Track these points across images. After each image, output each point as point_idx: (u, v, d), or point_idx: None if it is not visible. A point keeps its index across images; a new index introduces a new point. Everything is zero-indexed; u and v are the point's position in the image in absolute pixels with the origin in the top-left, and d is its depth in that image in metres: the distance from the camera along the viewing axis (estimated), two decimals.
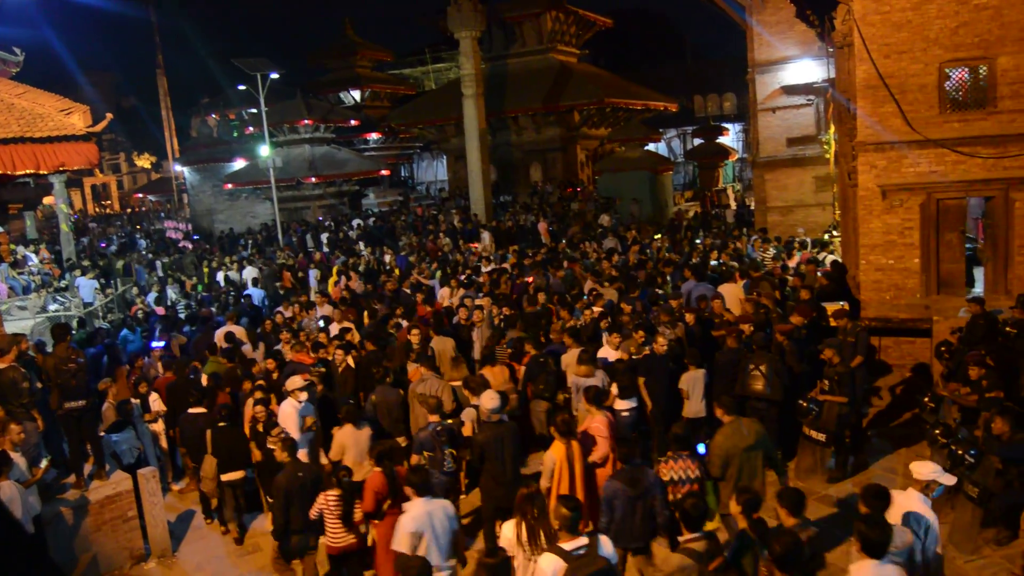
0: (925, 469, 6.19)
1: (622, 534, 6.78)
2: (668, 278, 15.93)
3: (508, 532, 6.27)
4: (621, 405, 9.15)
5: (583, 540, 5.44)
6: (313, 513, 7.40)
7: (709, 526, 6.16)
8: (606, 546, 5.54)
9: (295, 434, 9.02)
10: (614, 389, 9.36)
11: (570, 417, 7.75)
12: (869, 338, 11.54)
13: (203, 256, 27.08)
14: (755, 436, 7.45)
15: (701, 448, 7.59)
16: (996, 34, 12.16)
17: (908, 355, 13.23)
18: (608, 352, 10.59)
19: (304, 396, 9.33)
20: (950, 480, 6.29)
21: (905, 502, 5.98)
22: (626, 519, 6.81)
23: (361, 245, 25.07)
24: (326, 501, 7.34)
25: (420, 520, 6.38)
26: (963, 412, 9.11)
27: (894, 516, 5.75)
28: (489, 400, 7.95)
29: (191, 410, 9.97)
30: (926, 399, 9.67)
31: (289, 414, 9.29)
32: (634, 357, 10.27)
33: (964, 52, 12.42)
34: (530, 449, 10.53)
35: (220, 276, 22.30)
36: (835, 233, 21.09)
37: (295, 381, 9.46)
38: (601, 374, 9.66)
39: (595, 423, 7.87)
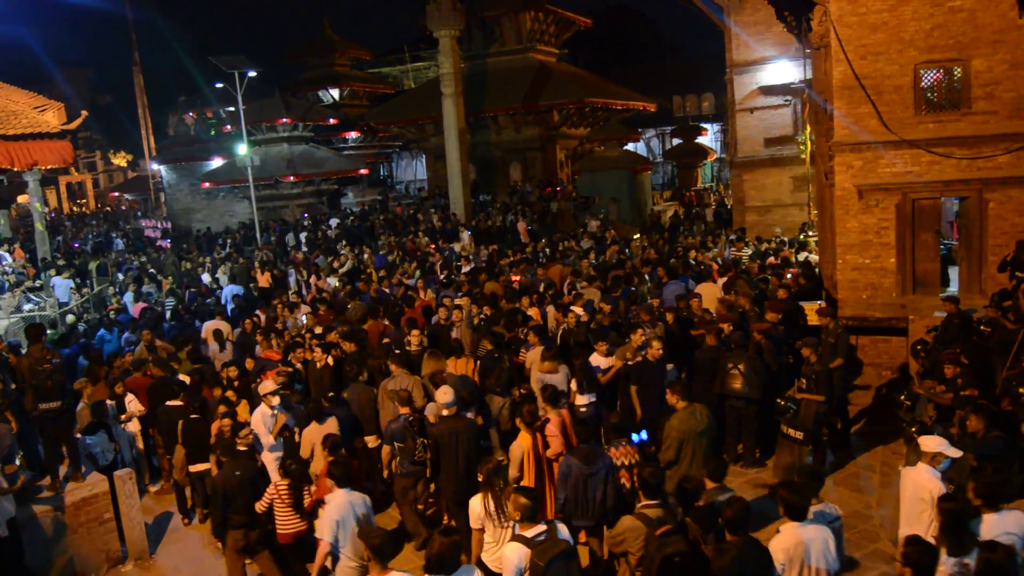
0: (932, 443, 6.47)
1: (576, 510, 7.12)
2: (647, 277, 15.99)
3: (476, 506, 6.49)
4: (580, 400, 9.17)
5: (542, 527, 5.69)
6: (263, 505, 7.59)
7: None
8: (563, 530, 5.80)
9: (265, 440, 8.96)
10: (573, 385, 9.44)
11: (536, 408, 7.91)
12: (849, 339, 11.64)
13: (181, 256, 26.87)
14: (706, 421, 7.99)
15: (635, 437, 7.98)
16: (970, 36, 12.31)
17: (884, 354, 13.39)
18: (599, 360, 10.24)
19: (276, 401, 9.15)
20: (956, 453, 6.48)
21: (915, 476, 6.43)
22: (579, 496, 7.10)
23: (344, 244, 24.96)
24: (277, 491, 7.56)
25: (343, 509, 6.71)
26: (939, 410, 9.21)
27: (907, 492, 6.44)
28: (443, 394, 8.14)
29: (169, 402, 10.11)
30: (902, 397, 9.76)
31: (259, 421, 9.15)
32: (628, 363, 9.90)
33: (939, 54, 12.56)
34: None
35: (206, 277, 21.97)
36: (810, 233, 21.28)
37: (267, 385, 9.36)
38: (565, 370, 9.80)
39: (549, 422, 8.03)
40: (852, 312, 13.36)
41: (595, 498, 7.09)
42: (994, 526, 5.55)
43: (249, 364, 11.37)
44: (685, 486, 6.37)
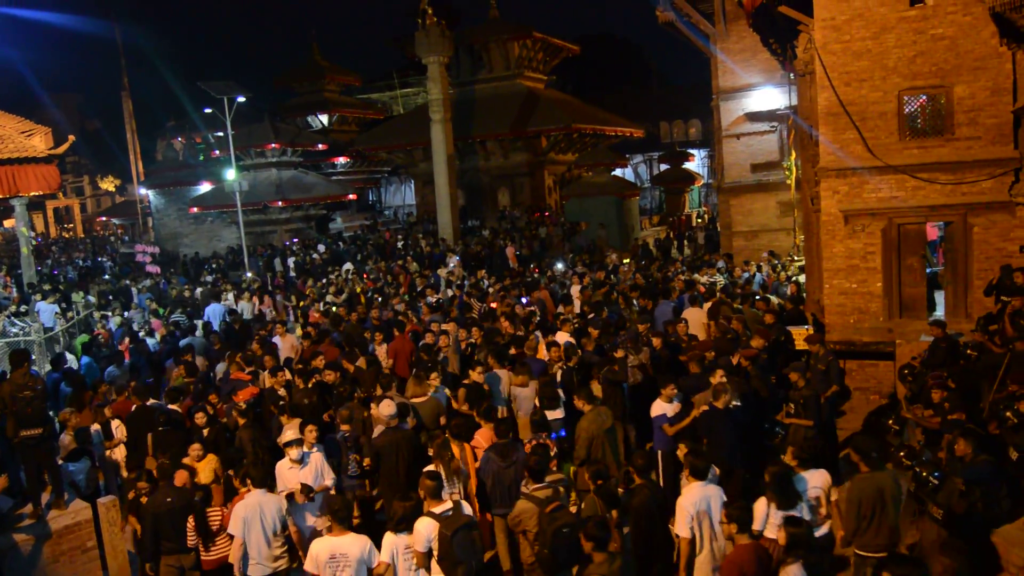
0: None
1: (493, 499, 7.92)
2: (635, 302, 16.00)
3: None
4: (550, 415, 9.35)
5: (448, 504, 6.67)
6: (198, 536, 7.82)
7: None
8: (467, 507, 6.81)
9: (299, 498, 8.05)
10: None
11: (463, 421, 8.50)
12: (839, 364, 11.65)
13: (169, 280, 26.75)
14: (611, 422, 8.94)
15: (554, 434, 8.97)
16: (952, 63, 12.47)
17: (872, 378, 13.41)
18: (664, 407, 9.25)
19: (296, 452, 8.26)
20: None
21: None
22: (496, 486, 7.86)
23: (349, 266, 24.89)
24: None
25: (251, 508, 7.30)
26: (926, 434, 9.22)
27: None
28: (385, 407, 8.70)
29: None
30: (890, 421, 9.76)
31: (288, 477, 8.23)
32: (695, 414, 9.03)
33: (922, 80, 12.72)
34: None
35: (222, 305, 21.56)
36: (796, 258, 21.39)
37: (287, 435, 8.67)
38: (535, 384, 10.01)
39: (479, 434, 8.55)
40: (839, 337, 13.40)
41: (510, 488, 7.77)
42: (807, 482, 7.09)
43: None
44: (590, 471, 7.43)
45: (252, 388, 11.07)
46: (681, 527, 6.78)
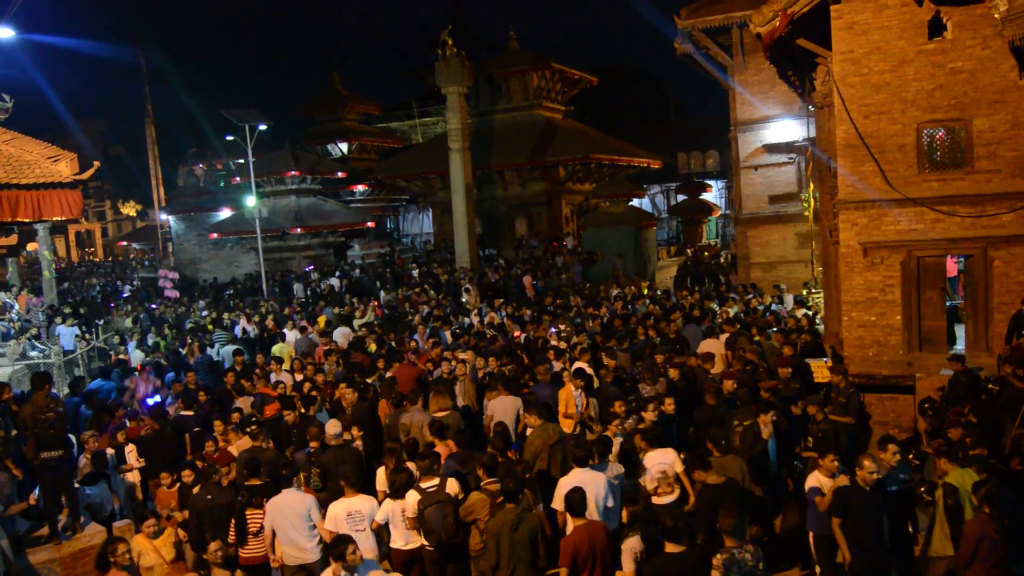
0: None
1: None
2: (649, 331, 15.91)
3: (381, 476, 8.80)
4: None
5: (436, 480, 7.95)
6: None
7: None
8: (452, 484, 8.02)
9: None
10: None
11: (415, 443, 9.24)
12: (860, 397, 11.55)
13: (190, 306, 26.90)
14: (558, 436, 9.47)
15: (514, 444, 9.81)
16: (971, 96, 12.47)
17: (892, 412, 13.26)
18: (821, 480, 8.01)
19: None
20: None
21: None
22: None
23: (384, 290, 25.01)
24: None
25: (279, 505, 8.10)
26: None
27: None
28: (332, 427, 9.62)
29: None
30: (911, 456, 9.67)
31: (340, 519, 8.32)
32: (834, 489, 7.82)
33: (941, 113, 12.71)
34: None
35: (238, 328, 21.62)
36: (814, 290, 21.29)
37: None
38: (514, 402, 10.64)
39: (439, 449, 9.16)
40: (858, 370, 13.28)
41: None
42: (653, 459, 8.40)
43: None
44: (528, 476, 8.64)
45: (277, 405, 11.52)
46: None
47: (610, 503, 7.74)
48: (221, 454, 9.90)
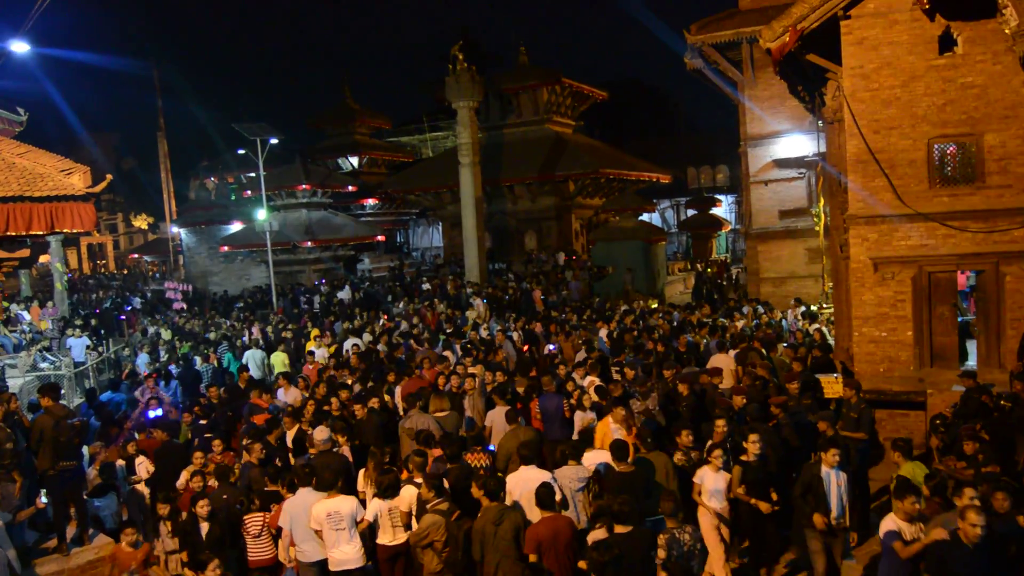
0: None
1: None
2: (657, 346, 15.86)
3: (361, 478, 9.39)
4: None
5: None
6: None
7: None
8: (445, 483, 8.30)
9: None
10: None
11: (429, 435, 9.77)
12: (872, 413, 11.48)
13: (204, 318, 26.99)
14: (526, 437, 9.70)
15: (491, 447, 10.26)
16: (982, 112, 12.44)
17: (903, 428, 13.14)
18: (899, 525, 7.06)
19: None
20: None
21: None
22: None
23: (401, 304, 25.05)
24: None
25: (296, 505, 8.34)
26: (959, 486, 9.00)
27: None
28: (319, 433, 9.95)
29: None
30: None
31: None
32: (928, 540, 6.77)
33: (952, 129, 12.68)
34: None
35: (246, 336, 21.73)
36: (825, 305, 21.21)
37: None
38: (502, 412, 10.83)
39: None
40: (869, 385, 13.18)
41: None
42: (592, 458, 9.08)
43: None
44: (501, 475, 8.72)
45: (267, 415, 11.95)
46: None
47: (557, 497, 7.99)
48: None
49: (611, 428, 10.06)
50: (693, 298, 28.41)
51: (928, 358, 13.24)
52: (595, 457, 9.20)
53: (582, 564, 7.01)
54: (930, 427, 10.87)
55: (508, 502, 8.10)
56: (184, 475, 9.78)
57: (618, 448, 8.67)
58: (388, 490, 8.24)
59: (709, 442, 9.39)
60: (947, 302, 13.23)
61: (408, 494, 8.34)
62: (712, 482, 8.77)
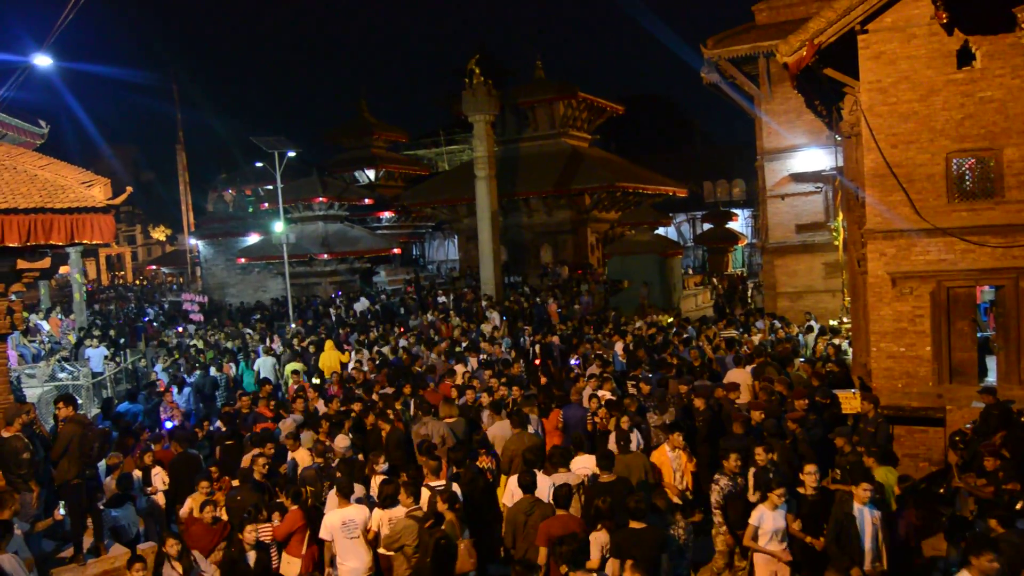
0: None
1: None
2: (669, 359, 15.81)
3: (374, 486, 9.36)
4: (581, 461, 9.97)
5: (443, 482, 8.92)
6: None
7: None
8: (456, 488, 8.81)
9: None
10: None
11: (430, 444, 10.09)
12: (889, 428, 11.38)
13: (224, 328, 27.15)
14: (531, 442, 10.06)
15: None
16: (1001, 126, 12.35)
17: (922, 444, 13.03)
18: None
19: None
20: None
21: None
22: None
23: (427, 315, 25.14)
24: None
25: (337, 516, 8.44)
26: (979, 504, 8.92)
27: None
28: (340, 441, 10.55)
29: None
30: (941, 490, 9.50)
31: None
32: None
33: (970, 143, 12.60)
34: None
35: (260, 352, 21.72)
36: (845, 320, 21.05)
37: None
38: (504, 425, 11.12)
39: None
40: (887, 401, 13.08)
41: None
42: (577, 464, 9.41)
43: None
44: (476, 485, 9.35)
45: (270, 424, 12.45)
46: None
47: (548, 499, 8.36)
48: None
49: (668, 456, 9.77)
50: (716, 312, 28.31)
51: (947, 374, 13.11)
52: (581, 462, 9.58)
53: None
54: (949, 443, 10.77)
55: (508, 502, 8.58)
56: (188, 503, 9.40)
57: (603, 458, 8.99)
58: (387, 500, 8.38)
59: (752, 470, 8.85)
60: (966, 317, 13.11)
61: (423, 494, 8.50)
62: (771, 522, 8.11)
